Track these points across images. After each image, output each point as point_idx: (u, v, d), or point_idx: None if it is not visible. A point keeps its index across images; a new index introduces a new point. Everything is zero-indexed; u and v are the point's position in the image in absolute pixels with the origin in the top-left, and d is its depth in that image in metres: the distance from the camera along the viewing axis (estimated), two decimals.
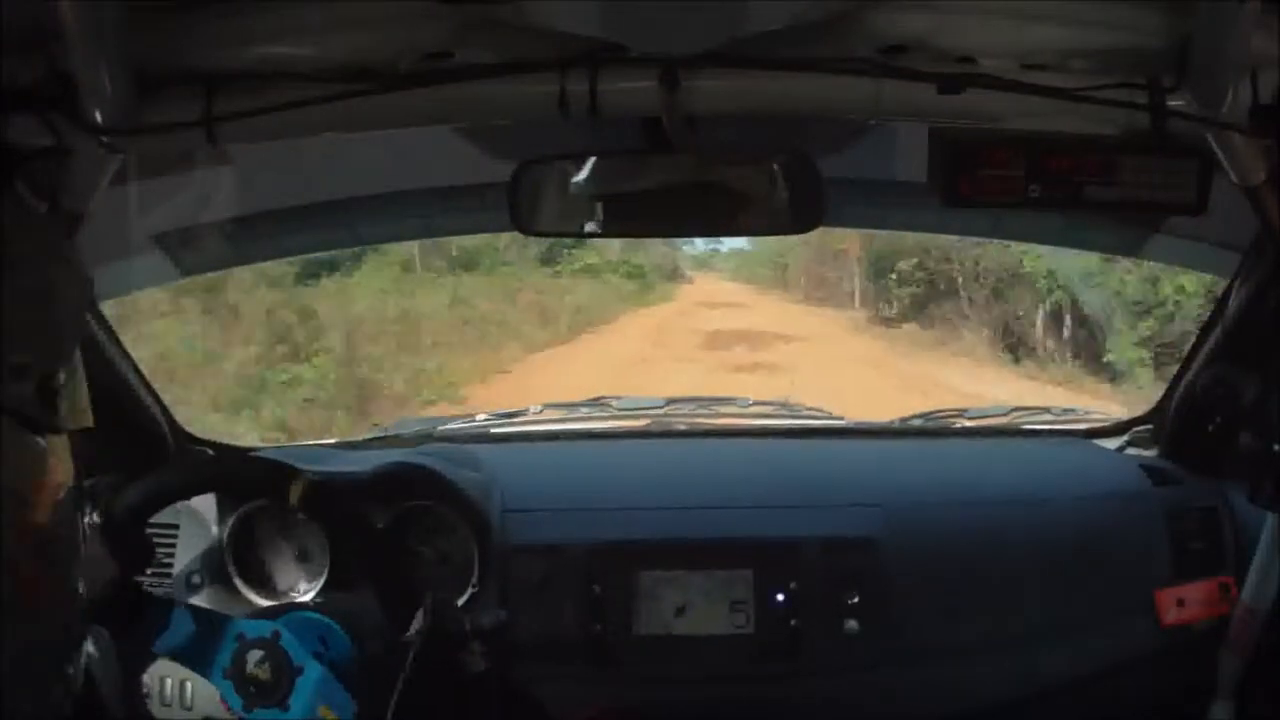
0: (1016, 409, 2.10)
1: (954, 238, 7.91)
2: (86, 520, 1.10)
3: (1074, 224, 1.74)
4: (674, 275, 19.07)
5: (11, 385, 0.86)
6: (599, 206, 1.39)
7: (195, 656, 1.16)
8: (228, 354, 7.85)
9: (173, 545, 1.62)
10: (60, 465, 0.92)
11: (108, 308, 1.60)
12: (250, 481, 1.44)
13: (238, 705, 1.14)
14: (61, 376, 0.91)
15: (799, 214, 1.36)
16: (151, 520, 1.30)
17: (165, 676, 1.49)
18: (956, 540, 1.63)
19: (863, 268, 14.16)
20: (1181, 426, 1.75)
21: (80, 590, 0.99)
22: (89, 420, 0.96)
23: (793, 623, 1.57)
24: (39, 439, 0.89)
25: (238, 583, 1.61)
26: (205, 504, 1.61)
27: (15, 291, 0.87)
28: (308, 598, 1.57)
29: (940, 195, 1.18)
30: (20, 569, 0.87)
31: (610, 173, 1.37)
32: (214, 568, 1.61)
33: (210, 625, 1.17)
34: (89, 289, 1.05)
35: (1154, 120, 1.09)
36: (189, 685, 1.49)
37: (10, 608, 0.85)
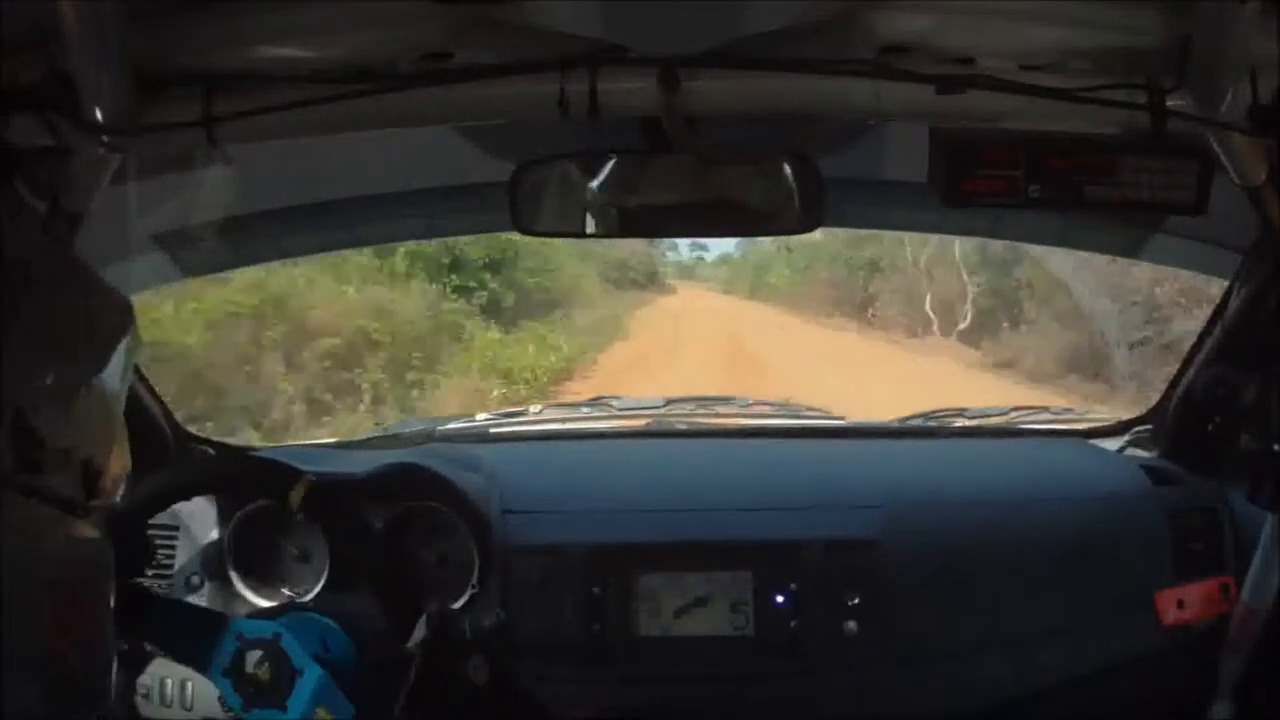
0: (1015, 409, 2.10)
1: None
2: None
3: (1074, 224, 1.74)
4: (652, 281, 12.72)
5: (53, 475, 0.81)
6: (599, 207, 1.39)
7: (195, 654, 1.16)
8: None
9: (173, 545, 1.62)
10: (96, 541, 0.88)
11: None
12: (251, 482, 1.45)
13: (236, 705, 1.14)
14: (105, 455, 0.87)
15: (799, 214, 1.36)
16: (151, 520, 1.30)
17: (165, 676, 1.49)
18: (956, 540, 1.63)
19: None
20: (1181, 426, 1.75)
21: (112, 661, 0.97)
22: (123, 488, 0.93)
23: (793, 624, 1.57)
24: (77, 520, 0.85)
25: (238, 583, 1.61)
26: (205, 504, 1.61)
27: (62, 373, 0.83)
28: (308, 598, 1.57)
29: (940, 195, 1.18)
30: (60, 660, 0.85)
31: (610, 173, 1.37)
32: (214, 568, 1.61)
33: (211, 624, 1.17)
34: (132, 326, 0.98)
35: (1154, 120, 1.09)
36: (189, 685, 1.49)
37: (46, 688, 0.83)
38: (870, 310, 10.41)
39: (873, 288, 10.38)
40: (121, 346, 0.92)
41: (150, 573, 1.61)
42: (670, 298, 12.46)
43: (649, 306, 11.38)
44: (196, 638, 1.16)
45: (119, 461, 0.91)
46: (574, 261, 10.51)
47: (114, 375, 0.90)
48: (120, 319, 0.94)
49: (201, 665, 1.16)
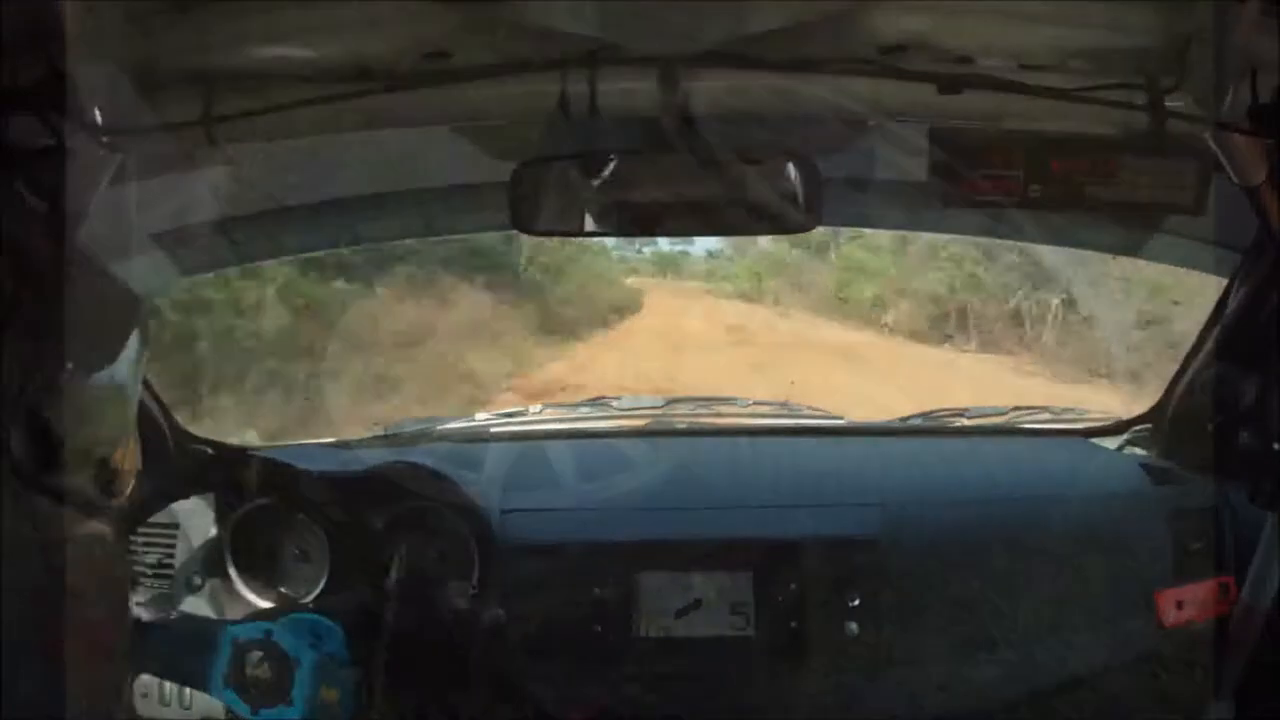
0: (1016, 408, 2.09)
1: None
2: None
3: (1074, 224, 1.73)
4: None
5: (71, 476, 0.80)
6: (599, 207, 1.39)
7: (193, 672, 1.16)
8: None
9: (173, 545, 1.62)
10: (113, 541, 0.88)
11: None
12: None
13: (246, 711, 1.13)
14: (120, 453, 0.86)
15: (798, 214, 1.36)
16: (151, 520, 1.30)
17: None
18: (956, 540, 1.63)
19: None
20: (1181, 426, 1.74)
21: (128, 663, 0.96)
22: (133, 481, 0.92)
23: (793, 624, 1.57)
24: (94, 521, 0.84)
25: (238, 583, 1.61)
26: (205, 504, 1.61)
27: (73, 369, 0.81)
28: (308, 598, 1.57)
29: (940, 195, 1.18)
30: (81, 665, 0.83)
31: (610, 173, 1.37)
32: (214, 568, 1.61)
33: (203, 637, 1.16)
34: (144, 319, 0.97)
35: (1153, 120, 1.09)
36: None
37: (68, 692, 0.82)
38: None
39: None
40: (132, 341, 0.91)
41: (151, 572, 1.62)
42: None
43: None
44: (192, 654, 1.15)
45: (131, 459, 0.90)
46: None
47: (125, 370, 0.89)
48: (129, 314, 0.93)
49: (201, 682, 1.15)
